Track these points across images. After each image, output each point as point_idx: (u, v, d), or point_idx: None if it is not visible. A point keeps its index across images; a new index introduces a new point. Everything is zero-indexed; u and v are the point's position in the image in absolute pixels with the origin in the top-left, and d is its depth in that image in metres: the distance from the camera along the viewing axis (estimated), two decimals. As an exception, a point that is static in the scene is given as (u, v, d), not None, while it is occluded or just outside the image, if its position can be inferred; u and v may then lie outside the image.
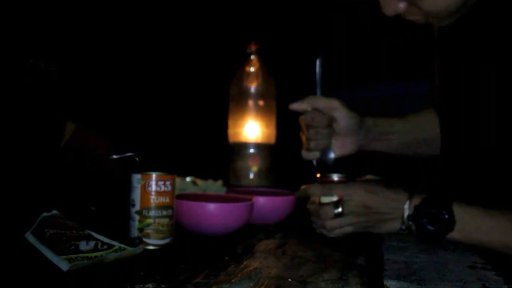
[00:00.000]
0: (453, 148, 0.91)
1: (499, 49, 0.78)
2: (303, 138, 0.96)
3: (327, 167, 0.93)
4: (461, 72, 0.87)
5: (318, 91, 0.94)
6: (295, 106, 0.92)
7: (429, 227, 0.73)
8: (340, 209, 0.80)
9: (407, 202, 0.76)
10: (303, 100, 0.92)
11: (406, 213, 0.76)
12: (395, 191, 0.78)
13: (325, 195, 0.82)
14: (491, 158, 0.82)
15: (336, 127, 0.93)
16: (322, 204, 0.82)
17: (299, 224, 0.90)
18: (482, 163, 0.84)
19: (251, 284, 0.54)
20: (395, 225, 0.78)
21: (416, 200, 0.76)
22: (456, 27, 0.79)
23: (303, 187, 0.86)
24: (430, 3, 0.72)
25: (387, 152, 1.01)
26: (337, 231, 0.81)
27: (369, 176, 0.88)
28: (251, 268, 0.60)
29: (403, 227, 0.76)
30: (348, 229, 0.80)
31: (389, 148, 1.00)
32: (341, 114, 0.92)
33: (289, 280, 0.56)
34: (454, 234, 0.72)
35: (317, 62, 0.94)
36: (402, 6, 0.74)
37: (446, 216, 0.72)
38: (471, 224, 0.72)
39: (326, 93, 0.94)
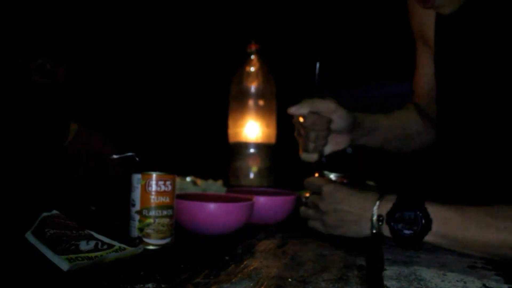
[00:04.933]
0: (449, 139, 0.92)
1: (495, 41, 0.78)
2: (300, 139, 0.96)
3: (323, 165, 0.95)
4: (459, 61, 0.88)
5: (316, 93, 0.95)
6: (293, 110, 0.93)
7: (406, 232, 0.69)
8: (303, 199, 0.83)
9: (377, 203, 0.73)
10: (301, 104, 0.93)
11: (375, 216, 0.72)
12: (365, 191, 0.76)
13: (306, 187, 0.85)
14: (485, 155, 0.82)
15: (333, 127, 0.96)
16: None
17: (299, 224, 0.90)
18: (475, 160, 0.85)
19: (251, 284, 0.54)
20: (363, 228, 0.74)
21: (386, 203, 0.72)
22: (453, 18, 0.80)
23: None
24: None
25: (373, 146, 1.05)
26: (309, 223, 0.83)
27: (369, 182, 0.90)
28: (251, 268, 0.60)
29: (374, 231, 0.73)
30: (317, 224, 0.81)
31: (375, 143, 1.04)
32: (339, 116, 0.94)
33: (289, 280, 0.56)
34: (431, 236, 0.69)
35: (317, 66, 0.95)
36: None
37: (421, 215, 0.68)
38: (446, 221, 0.68)
39: (325, 94, 0.96)
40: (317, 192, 0.81)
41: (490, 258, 0.67)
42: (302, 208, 0.84)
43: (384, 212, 0.72)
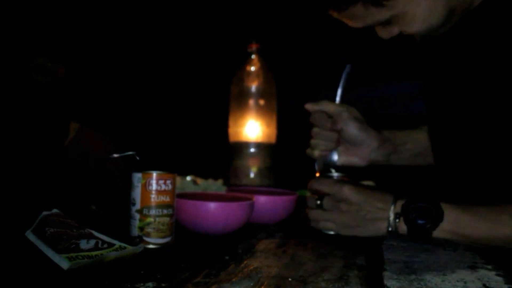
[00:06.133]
0: (441, 156, 0.94)
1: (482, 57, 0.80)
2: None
3: (327, 169, 0.95)
4: (441, 77, 0.89)
5: (338, 97, 0.96)
6: (308, 106, 0.96)
7: (419, 221, 0.75)
8: (319, 202, 0.83)
9: (393, 205, 0.78)
10: (317, 102, 0.96)
11: (392, 215, 0.78)
12: (382, 192, 0.81)
13: (316, 188, 0.86)
14: (479, 165, 0.84)
15: (343, 134, 0.96)
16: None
17: (299, 224, 0.90)
18: (470, 170, 0.86)
19: (251, 284, 0.54)
20: (381, 227, 0.79)
21: (402, 202, 0.78)
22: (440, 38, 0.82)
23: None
24: (412, 27, 0.78)
25: (402, 164, 1.03)
26: (320, 224, 0.84)
27: (368, 182, 0.90)
28: (251, 267, 0.60)
29: (390, 229, 0.78)
30: (330, 225, 0.83)
31: (403, 160, 1.03)
32: (346, 124, 0.94)
33: (289, 279, 0.56)
34: (442, 232, 0.74)
35: (346, 69, 0.96)
36: (395, 31, 0.79)
37: (434, 207, 0.75)
38: (457, 219, 0.74)
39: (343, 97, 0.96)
40: (332, 193, 0.82)
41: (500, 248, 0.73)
42: (314, 211, 0.84)
43: (400, 209, 0.77)
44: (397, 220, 0.77)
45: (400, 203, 0.78)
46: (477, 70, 0.81)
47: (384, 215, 0.79)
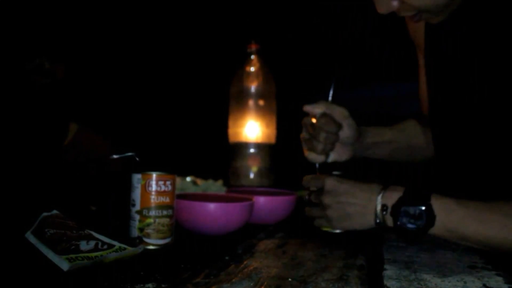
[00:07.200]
0: (444, 150, 0.93)
1: (487, 47, 0.79)
2: (307, 140, 0.96)
3: (326, 170, 0.94)
4: (449, 70, 0.88)
5: (330, 98, 0.96)
6: (309, 108, 0.94)
7: (410, 226, 0.71)
8: (307, 197, 0.83)
9: (380, 194, 0.74)
10: (317, 103, 0.93)
11: (379, 206, 0.74)
12: (367, 183, 0.78)
13: (304, 186, 0.86)
14: (482, 158, 0.83)
15: (341, 135, 0.94)
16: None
17: (299, 224, 0.90)
18: (472, 163, 0.85)
19: (251, 284, 0.54)
20: (369, 220, 0.76)
21: (391, 193, 0.73)
22: (444, 25, 0.80)
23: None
24: (417, 0, 0.73)
25: (379, 158, 1.04)
26: (316, 222, 0.84)
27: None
28: (251, 268, 0.60)
29: (378, 221, 0.74)
30: (322, 222, 0.82)
31: (380, 156, 1.03)
32: (349, 124, 0.94)
33: (289, 280, 0.56)
34: (435, 230, 0.71)
35: (332, 83, 0.95)
36: (395, 4, 0.75)
37: (426, 211, 0.70)
38: (450, 217, 0.70)
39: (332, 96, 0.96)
40: (319, 188, 0.82)
41: (491, 251, 0.70)
42: (307, 208, 0.84)
43: (388, 203, 0.73)
44: (384, 213, 0.73)
45: (390, 194, 0.73)
46: (478, 59, 0.80)
47: (370, 206, 0.75)
